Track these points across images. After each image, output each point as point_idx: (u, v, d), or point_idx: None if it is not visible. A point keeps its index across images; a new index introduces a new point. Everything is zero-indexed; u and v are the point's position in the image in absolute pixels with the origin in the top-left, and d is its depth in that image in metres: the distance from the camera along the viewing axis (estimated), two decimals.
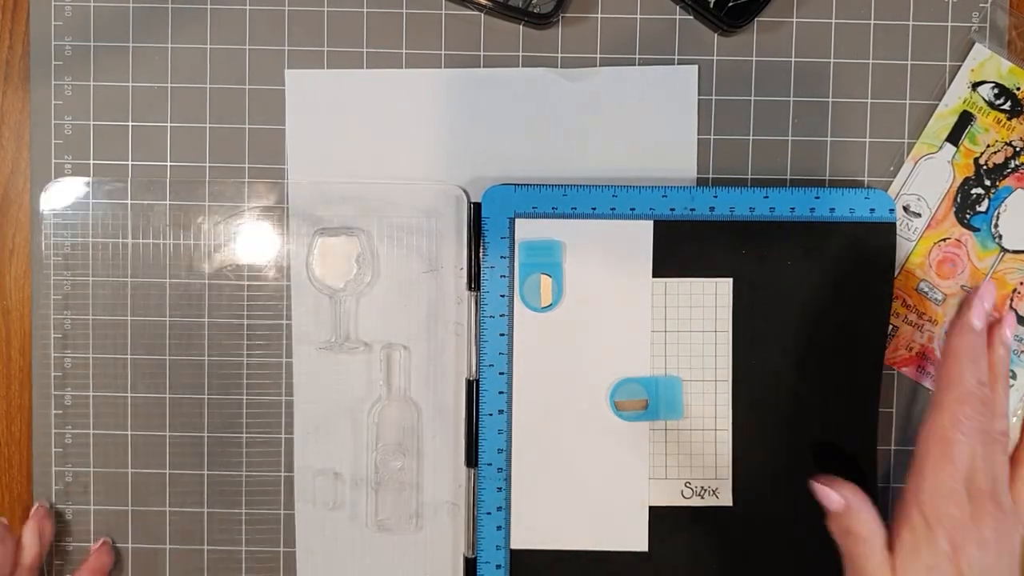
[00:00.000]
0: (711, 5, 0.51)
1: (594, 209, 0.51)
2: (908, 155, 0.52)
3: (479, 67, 0.52)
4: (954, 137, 0.52)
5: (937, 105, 0.52)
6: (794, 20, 0.52)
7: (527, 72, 0.52)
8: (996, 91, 0.52)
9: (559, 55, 0.53)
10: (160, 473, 0.53)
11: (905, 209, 0.52)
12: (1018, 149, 0.52)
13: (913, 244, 0.52)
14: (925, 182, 0.52)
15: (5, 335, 0.54)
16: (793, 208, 0.51)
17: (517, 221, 0.51)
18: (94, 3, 0.52)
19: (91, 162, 0.53)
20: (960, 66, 0.52)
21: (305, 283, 0.52)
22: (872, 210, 0.51)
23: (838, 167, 0.53)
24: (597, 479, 0.52)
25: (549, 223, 0.51)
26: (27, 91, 0.53)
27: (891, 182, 0.52)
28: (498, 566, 0.51)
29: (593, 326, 0.51)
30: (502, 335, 0.51)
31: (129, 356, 0.53)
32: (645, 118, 0.52)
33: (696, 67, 0.52)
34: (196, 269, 0.53)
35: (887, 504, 0.53)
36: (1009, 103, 0.52)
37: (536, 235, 0.51)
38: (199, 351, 0.53)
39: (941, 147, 0.52)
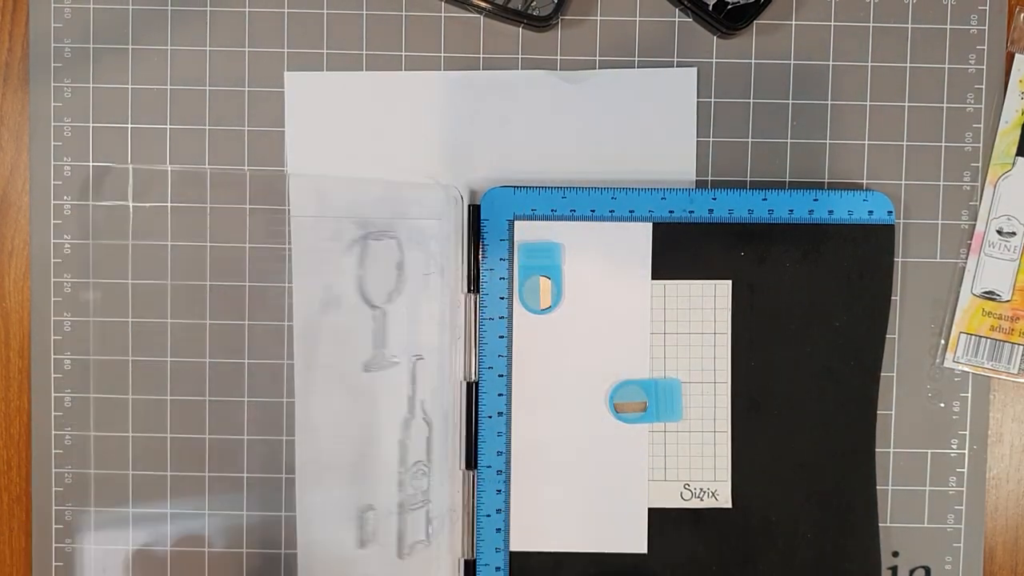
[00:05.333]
0: (710, 8, 0.51)
1: (593, 211, 0.51)
2: (985, 180, 0.52)
3: (478, 69, 0.53)
4: None
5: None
6: (793, 23, 0.53)
7: (526, 74, 0.52)
8: None
9: (558, 57, 0.53)
10: (160, 475, 0.53)
11: (999, 232, 0.52)
12: None
13: (1017, 263, 0.52)
14: (1011, 201, 0.52)
15: (4, 337, 0.54)
16: (792, 210, 0.51)
17: (516, 223, 0.51)
18: (93, 5, 0.52)
19: (90, 164, 0.53)
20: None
21: (307, 283, 0.52)
22: (870, 212, 0.51)
23: (837, 169, 0.53)
24: (596, 481, 0.52)
25: (548, 225, 0.51)
26: (26, 93, 0.53)
27: (900, 184, 0.52)
28: (497, 568, 0.51)
29: (592, 328, 0.51)
30: (501, 337, 0.51)
31: (130, 358, 0.53)
32: (644, 120, 0.52)
33: (695, 69, 0.52)
34: (196, 271, 0.53)
35: (886, 508, 0.53)
36: None
37: (535, 237, 0.51)
38: (200, 353, 0.53)
39: (1015, 163, 0.52)
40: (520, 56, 0.53)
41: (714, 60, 0.53)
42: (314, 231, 0.52)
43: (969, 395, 0.53)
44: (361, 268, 0.51)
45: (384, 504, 0.52)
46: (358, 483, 0.52)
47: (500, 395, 0.51)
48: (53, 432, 0.53)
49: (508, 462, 0.51)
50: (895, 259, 0.52)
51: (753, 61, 0.53)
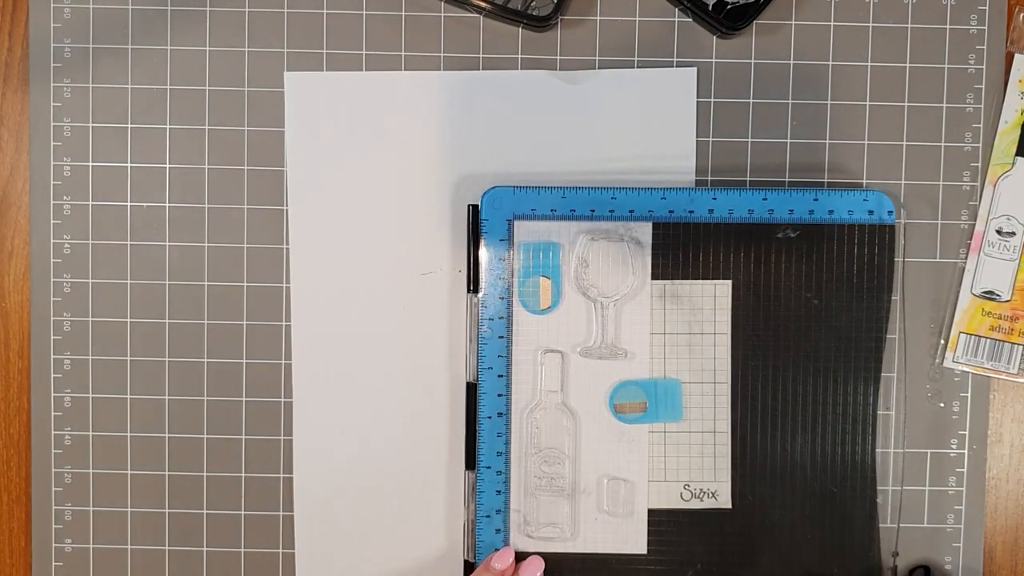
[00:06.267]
0: (710, 8, 0.51)
1: (593, 211, 0.51)
2: (984, 180, 0.52)
3: (478, 69, 0.53)
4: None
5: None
6: (792, 23, 0.53)
7: (526, 74, 0.52)
8: None
9: (558, 57, 0.53)
10: (159, 475, 0.53)
11: (999, 232, 0.52)
12: None
13: (1017, 263, 0.52)
14: (1011, 201, 0.52)
15: (4, 337, 0.54)
16: (792, 210, 0.51)
17: (516, 223, 0.51)
18: (93, 5, 0.52)
19: (90, 164, 0.53)
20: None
21: (305, 283, 0.52)
22: (870, 212, 0.51)
23: (837, 169, 0.53)
24: (596, 482, 0.52)
25: (548, 225, 0.51)
26: (26, 93, 0.53)
27: (900, 184, 0.52)
28: None
29: (592, 328, 0.51)
30: (501, 338, 0.51)
31: (128, 358, 0.53)
32: (644, 120, 0.52)
33: (695, 69, 0.52)
34: (195, 271, 0.53)
35: (887, 507, 0.53)
36: None
37: (535, 237, 0.51)
38: (199, 353, 0.53)
39: (1014, 163, 0.52)
40: (520, 56, 0.53)
41: (714, 60, 0.53)
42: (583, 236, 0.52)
43: (969, 395, 0.53)
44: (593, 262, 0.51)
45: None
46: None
47: (500, 396, 0.51)
48: (53, 432, 0.53)
49: (508, 463, 0.51)
50: (895, 259, 0.52)
51: (753, 61, 0.53)
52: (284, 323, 0.53)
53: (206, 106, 0.53)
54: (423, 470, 0.53)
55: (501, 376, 0.51)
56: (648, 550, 0.51)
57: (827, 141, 0.53)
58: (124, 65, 0.53)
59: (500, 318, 0.51)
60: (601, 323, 0.51)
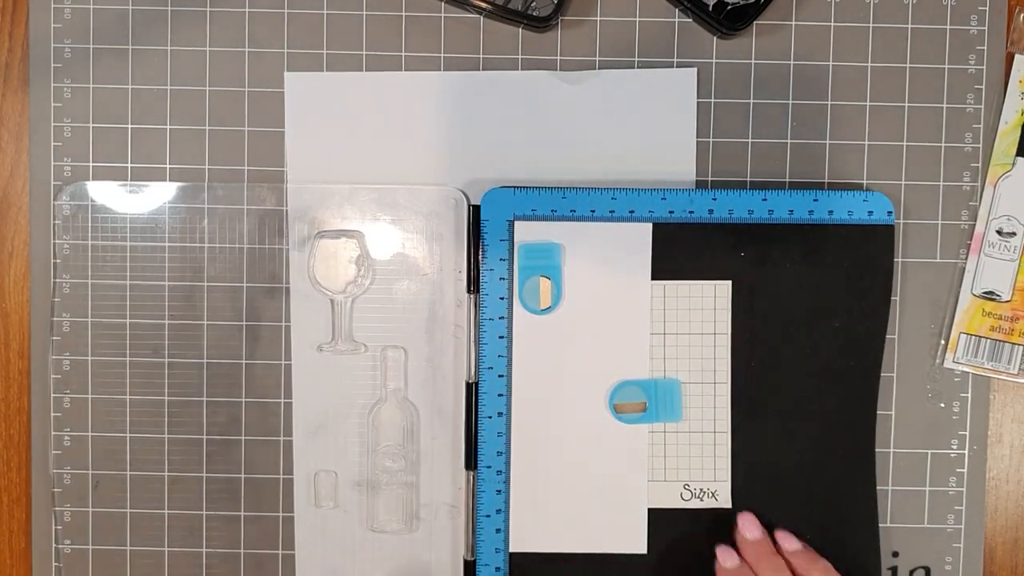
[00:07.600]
0: (710, 8, 0.51)
1: (593, 212, 0.51)
2: (985, 180, 0.52)
3: (478, 70, 0.53)
4: None
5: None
6: (793, 23, 0.53)
7: (526, 75, 0.52)
8: None
9: (558, 58, 0.53)
10: (158, 475, 0.53)
11: (999, 232, 0.52)
12: None
13: (1017, 263, 0.52)
14: (1011, 201, 0.52)
15: (4, 337, 0.54)
16: (792, 210, 0.51)
17: (516, 223, 0.51)
18: (93, 5, 0.52)
19: (90, 164, 0.53)
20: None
21: (305, 285, 0.52)
22: (870, 212, 0.51)
23: (837, 170, 0.53)
24: (596, 482, 0.52)
25: (548, 225, 0.51)
26: (26, 93, 0.53)
27: (900, 184, 0.52)
28: (497, 568, 0.51)
29: (592, 329, 0.51)
30: (501, 337, 0.51)
31: (128, 358, 0.53)
32: (644, 121, 0.52)
33: (695, 70, 0.52)
34: (195, 271, 0.53)
35: (886, 508, 0.53)
36: None
37: (535, 237, 0.51)
38: (198, 353, 0.53)
39: (1015, 163, 0.52)
40: (520, 56, 0.53)
41: (714, 60, 0.53)
42: (311, 233, 0.52)
43: (969, 395, 0.53)
44: (320, 260, 0.52)
45: (350, 475, 0.53)
46: (324, 451, 0.53)
47: (500, 395, 0.51)
48: (52, 433, 0.53)
49: (508, 462, 0.51)
50: (895, 259, 0.52)
51: (753, 61, 0.53)
52: (284, 324, 0.53)
53: (206, 106, 0.53)
54: (421, 469, 0.53)
55: (501, 376, 0.51)
56: (648, 550, 0.51)
57: (827, 141, 0.53)
58: (124, 65, 0.53)
59: (500, 318, 0.51)
60: (338, 319, 0.52)
